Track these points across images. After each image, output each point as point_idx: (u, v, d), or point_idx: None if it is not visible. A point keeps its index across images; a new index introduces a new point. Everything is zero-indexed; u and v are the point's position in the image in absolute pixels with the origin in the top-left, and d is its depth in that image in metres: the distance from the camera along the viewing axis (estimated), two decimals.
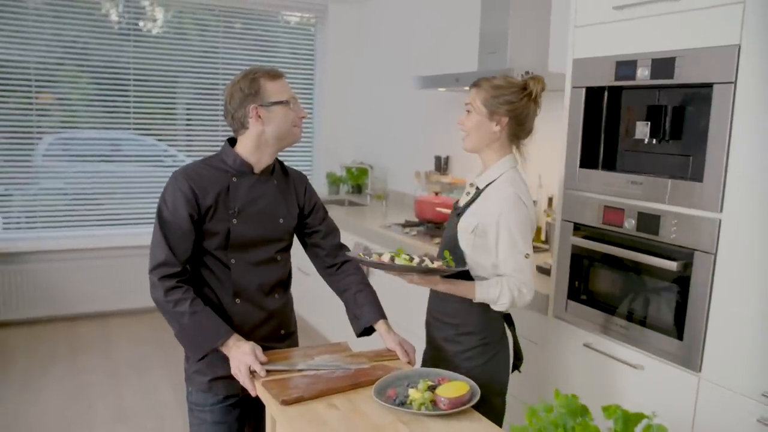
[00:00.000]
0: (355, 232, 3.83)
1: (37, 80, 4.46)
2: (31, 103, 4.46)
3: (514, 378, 1.96)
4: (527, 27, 3.07)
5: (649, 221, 1.90)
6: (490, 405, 1.79)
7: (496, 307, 1.78)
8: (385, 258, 1.69)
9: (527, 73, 1.99)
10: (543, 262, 2.66)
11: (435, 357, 1.92)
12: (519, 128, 1.84)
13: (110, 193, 4.82)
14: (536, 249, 3.03)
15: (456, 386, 1.49)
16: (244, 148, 1.80)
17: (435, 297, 1.94)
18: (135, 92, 4.75)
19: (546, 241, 3.13)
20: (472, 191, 1.89)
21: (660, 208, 1.87)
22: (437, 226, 3.52)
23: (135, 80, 4.73)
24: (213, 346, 1.68)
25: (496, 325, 1.86)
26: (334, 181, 5.20)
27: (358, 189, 5.18)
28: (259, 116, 1.75)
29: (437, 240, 3.24)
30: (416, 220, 3.71)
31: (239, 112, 1.76)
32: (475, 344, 1.84)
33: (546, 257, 2.82)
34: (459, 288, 1.78)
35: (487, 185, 1.83)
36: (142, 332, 4.41)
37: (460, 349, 1.85)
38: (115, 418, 3.20)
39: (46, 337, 4.28)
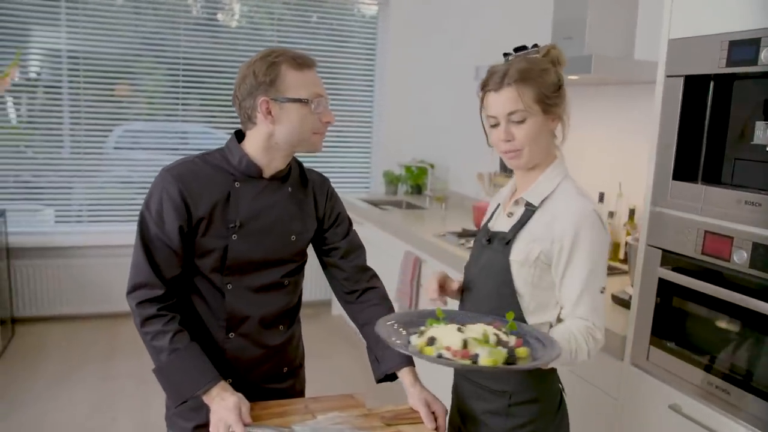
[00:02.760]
0: (407, 240, 3.44)
1: (114, 72, 4.36)
2: (107, 95, 4.37)
3: None
4: (610, 4, 2.56)
5: None
6: None
7: (568, 367, 1.34)
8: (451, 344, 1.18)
9: (514, 52, 1.50)
10: (620, 290, 2.18)
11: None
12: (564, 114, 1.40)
13: None
14: (613, 271, 2.49)
15: None
16: (252, 146, 1.45)
17: None
18: (206, 84, 4.57)
19: (625, 260, 2.61)
20: (518, 210, 1.42)
21: None
22: None
23: (201, 71, 4.54)
24: (193, 393, 1.37)
25: (554, 387, 1.43)
26: (392, 181, 4.82)
27: (418, 189, 4.79)
28: (269, 112, 1.38)
29: None
30: (474, 228, 3.28)
31: (247, 101, 1.40)
32: (534, 416, 1.39)
33: (624, 282, 2.33)
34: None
35: (542, 200, 1.38)
36: None
37: (515, 425, 1.40)
38: None
39: (85, 335, 4.13)
